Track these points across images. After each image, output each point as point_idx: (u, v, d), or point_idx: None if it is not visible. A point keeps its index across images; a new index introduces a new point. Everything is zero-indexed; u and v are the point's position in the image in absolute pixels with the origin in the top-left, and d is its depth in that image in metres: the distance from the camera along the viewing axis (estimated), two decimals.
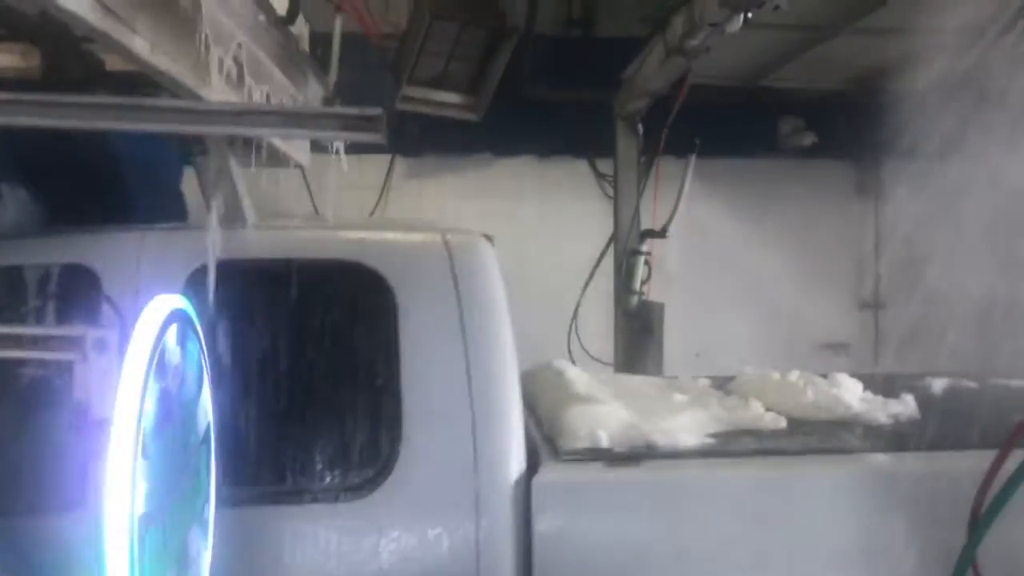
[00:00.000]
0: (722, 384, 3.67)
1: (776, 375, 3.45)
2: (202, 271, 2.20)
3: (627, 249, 5.27)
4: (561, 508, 2.41)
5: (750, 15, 3.42)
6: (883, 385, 3.59)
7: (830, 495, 2.50)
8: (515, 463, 2.43)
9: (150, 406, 1.44)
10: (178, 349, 1.62)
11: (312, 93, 4.33)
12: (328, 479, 2.32)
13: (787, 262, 6.43)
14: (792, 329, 6.46)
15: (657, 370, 5.28)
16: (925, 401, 3.35)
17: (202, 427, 1.79)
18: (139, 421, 1.36)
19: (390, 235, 2.88)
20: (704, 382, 3.76)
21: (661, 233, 5.07)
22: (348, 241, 2.67)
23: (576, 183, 6.30)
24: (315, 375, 2.46)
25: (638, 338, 5.23)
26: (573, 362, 5.34)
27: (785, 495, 2.50)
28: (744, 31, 3.64)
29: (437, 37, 5.50)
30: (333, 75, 4.63)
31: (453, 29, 5.50)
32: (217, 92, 2.86)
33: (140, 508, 1.36)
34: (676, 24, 3.85)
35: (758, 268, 6.43)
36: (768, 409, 3.04)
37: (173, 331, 1.58)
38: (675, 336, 5.94)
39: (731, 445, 2.71)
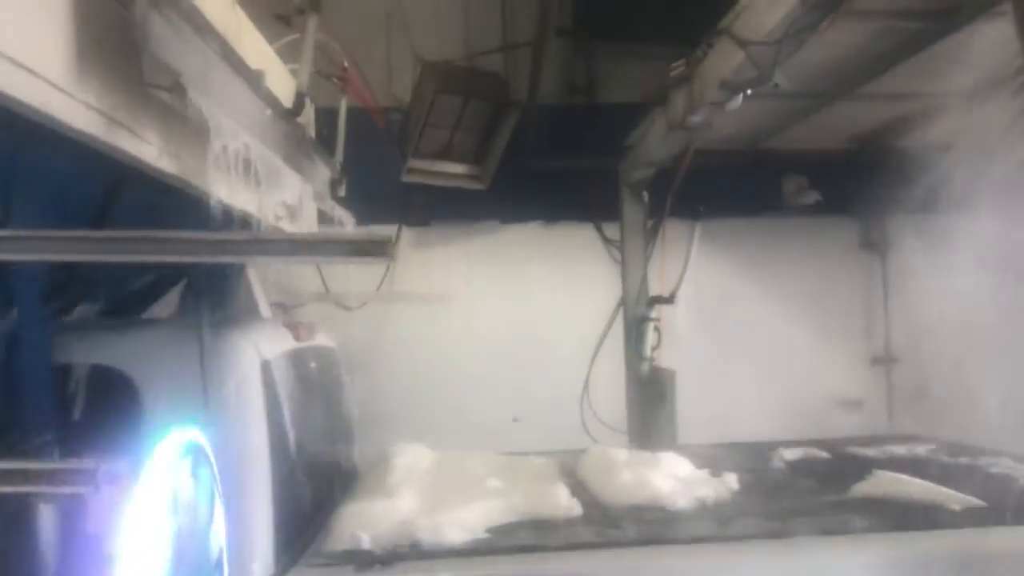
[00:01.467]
0: (570, 460, 3.70)
1: (612, 452, 3.47)
2: None
3: (636, 316, 5.27)
4: None
5: (749, 92, 3.45)
6: (727, 458, 3.58)
7: None
8: (259, 570, 2.32)
9: (163, 551, 1.44)
10: (191, 481, 1.62)
11: (319, 176, 4.39)
12: None
13: (797, 320, 6.41)
14: (805, 387, 6.41)
15: (671, 437, 5.25)
16: (754, 478, 3.37)
17: (215, 552, 1.78)
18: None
19: (142, 335, 2.77)
20: (544, 461, 3.81)
21: (669, 299, 5.08)
22: (96, 344, 2.58)
23: (584, 248, 6.31)
24: None
25: (650, 406, 5.20)
26: (589, 436, 5.33)
27: None
28: (742, 103, 3.67)
29: (442, 110, 5.57)
30: (339, 155, 4.69)
31: (457, 102, 5.57)
32: (224, 190, 2.91)
33: None
34: (677, 101, 3.88)
35: (769, 327, 6.40)
36: (584, 491, 3.06)
37: (186, 465, 1.59)
38: (689, 399, 5.91)
39: (498, 541, 2.71)
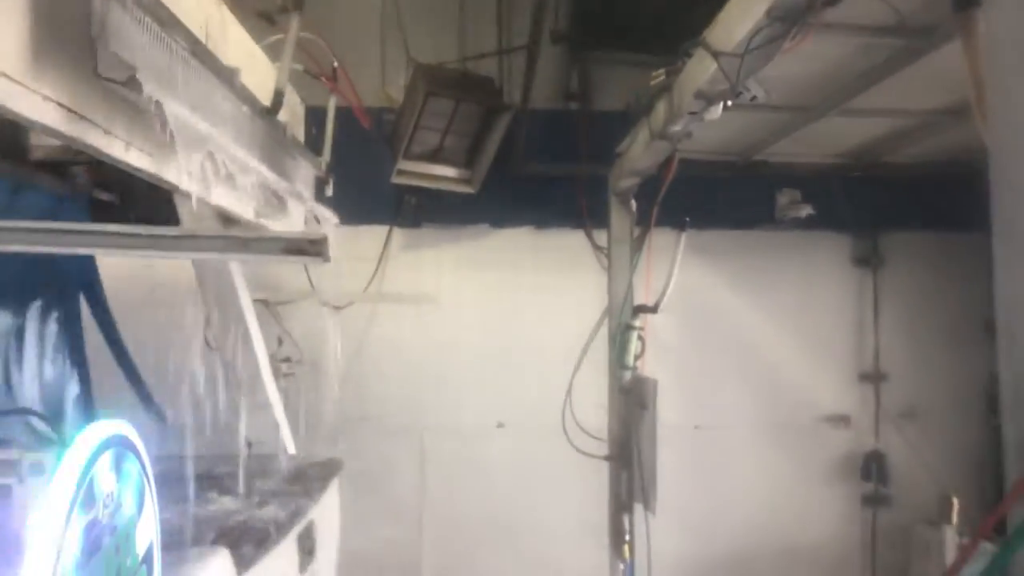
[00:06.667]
0: None
1: None
2: None
3: (620, 324, 5.25)
4: None
5: (729, 104, 3.45)
6: None
7: None
8: None
9: (73, 542, 1.44)
10: (112, 475, 1.62)
11: (303, 175, 4.40)
12: None
13: (785, 334, 6.39)
14: (791, 401, 6.40)
15: (652, 445, 5.22)
16: None
17: (143, 547, 1.78)
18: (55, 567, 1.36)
19: None
20: None
21: (653, 309, 5.05)
22: None
23: (574, 254, 6.31)
24: None
25: (633, 413, 5.18)
26: (570, 443, 5.31)
27: None
28: (728, 114, 3.67)
29: (433, 113, 5.58)
30: (326, 155, 4.70)
31: (449, 105, 5.57)
32: (194, 188, 2.92)
33: None
34: (659, 110, 3.88)
35: (756, 340, 6.39)
36: None
37: (107, 458, 1.59)
38: (673, 409, 5.91)
39: None
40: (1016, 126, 1.61)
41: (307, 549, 3.09)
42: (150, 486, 1.83)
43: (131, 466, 1.72)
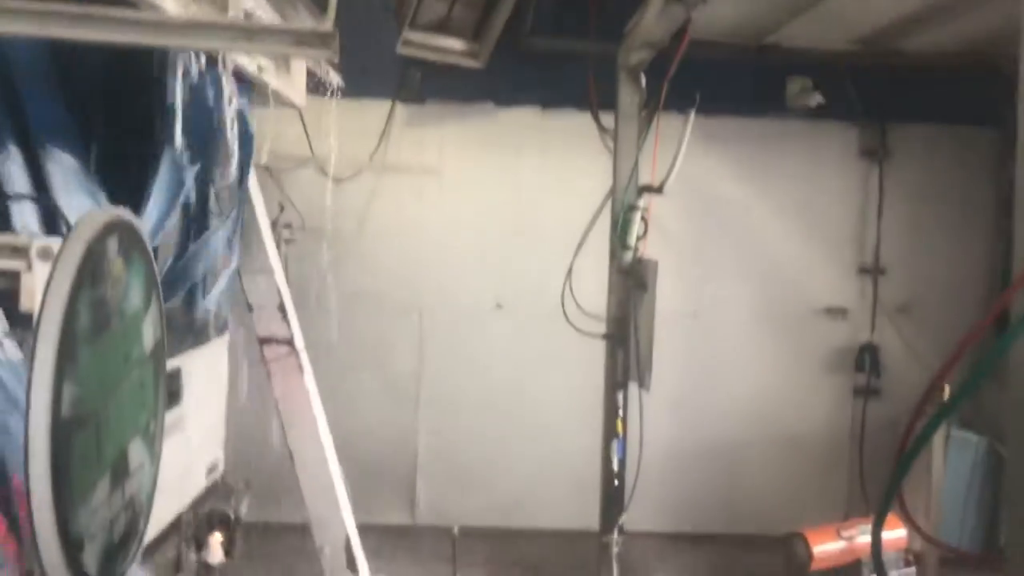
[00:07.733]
0: None
1: None
2: None
3: (624, 204, 5.21)
4: None
5: None
6: None
7: None
8: None
9: (83, 312, 1.44)
10: (120, 260, 1.61)
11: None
12: None
13: (788, 225, 6.37)
14: (790, 292, 6.42)
15: (649, 327, 5.26)
16: None
17: (150, 342, 1.79)
18: (62, 323, 1.36)
19: None
20: None
21: (658, 189, 5.00)
22: None
23: (580, 137, 6.21)
24: None
25: (631, 294, 5.20)
26: (570, 323, 5.32)
27: None
28: None
29: None
30: (331, 13, 4.57)
31: None
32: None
33: (65, 410, 1.36)
34: None
35: (758, 230, 6.37)
36: None
37: (114, 240, 1.58)
38: (671, 296, 5.93)
39: None
40: None
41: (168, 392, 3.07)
42: (157, 287, 1.83)
43: (139, 258, 1.72)
